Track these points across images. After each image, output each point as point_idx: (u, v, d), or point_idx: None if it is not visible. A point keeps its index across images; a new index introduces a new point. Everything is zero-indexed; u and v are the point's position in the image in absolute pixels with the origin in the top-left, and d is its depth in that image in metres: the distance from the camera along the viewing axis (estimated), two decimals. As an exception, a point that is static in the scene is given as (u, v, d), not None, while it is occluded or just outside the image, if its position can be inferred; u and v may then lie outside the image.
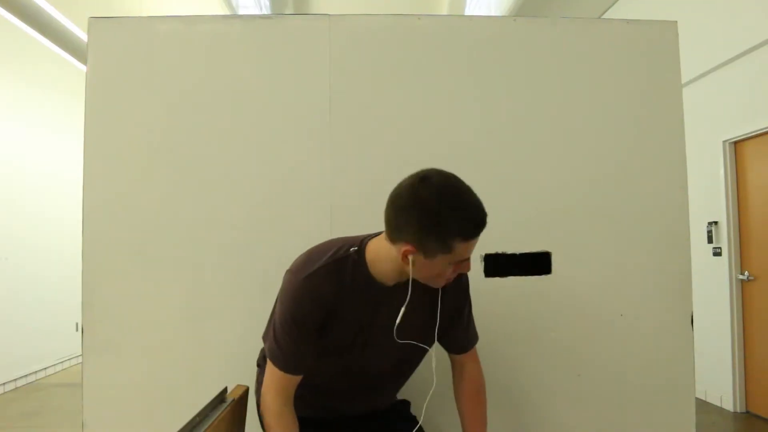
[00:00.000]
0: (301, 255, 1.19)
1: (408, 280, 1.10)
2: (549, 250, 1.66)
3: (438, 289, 1.17)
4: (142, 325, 1.58)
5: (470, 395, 1.30)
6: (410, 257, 1.04)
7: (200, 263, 1.59)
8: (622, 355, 1.66)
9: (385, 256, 1.11)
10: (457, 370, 1.32)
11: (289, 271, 1.17)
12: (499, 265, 1.63)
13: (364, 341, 1.18)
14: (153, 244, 1.59)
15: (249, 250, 1.60)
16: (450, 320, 1.25)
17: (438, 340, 1.27)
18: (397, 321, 1.12)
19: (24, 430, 3.68)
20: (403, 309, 1.12)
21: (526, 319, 1.65)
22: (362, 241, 1.16)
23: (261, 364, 1.36)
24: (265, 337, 1.24)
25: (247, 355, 1.56)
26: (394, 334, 1.14)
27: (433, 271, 1.06)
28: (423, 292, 1.16)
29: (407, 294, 1.11)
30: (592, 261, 1.67)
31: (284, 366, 1.15)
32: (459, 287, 1.25)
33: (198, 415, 0.94)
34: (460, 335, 1.29)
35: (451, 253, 1.03)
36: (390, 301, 1.14)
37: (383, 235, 1.11)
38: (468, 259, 1.08)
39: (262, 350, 1.36)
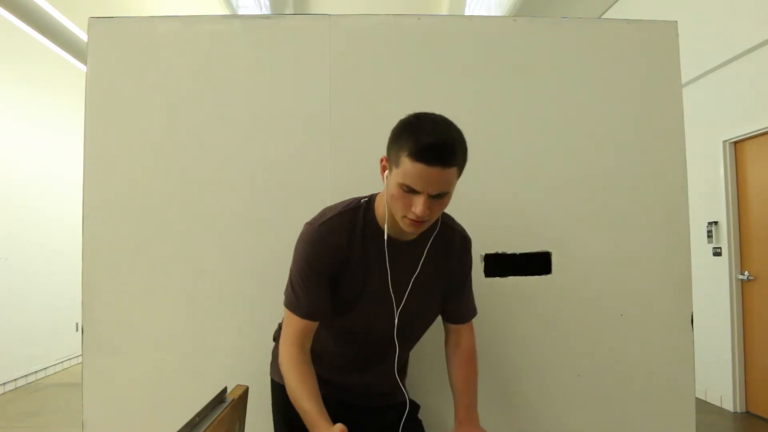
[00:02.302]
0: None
1: (419, 236, 1.18)
2: (549, 250, 1.66)
3: (446, 251, 1.24)
4: (142, 325, 1.58)
5: (464, 359, 1.32)
6: (385, 174, 1.12)
7: (200, 263, 1.59)
8: (622, 355, 1.66)
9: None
10: (452, 339, 1.34)
11: (305, 224, 1.23)
12: (499, 265, 1.63)
13: (370, 296, 1.21)
14: (153, 244, 1.59)
15: (249, 250, 1.60)
16: (454, 287, 1.30)
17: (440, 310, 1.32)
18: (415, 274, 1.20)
19: (24, 430, 3.68)
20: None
21: (526, 319, 1.65)
22: (372, 194, 1.24)
23: (277, 338, 1.39)
24: (285, 293, 1.27)
25: (247, 355, 1.57)
26: (396, 289, 1.20)
27: (390, 188, 1.09)
28: (432, 254, 1.22)
29: (419, 251, 1.19)
30: (592, 261, 1.67)
31: (299, 310, 1.18)
32: (464, 250, 1.30)
33: (197, 415, 0.94)
34: (462, 304, 1.32)
35: (399, 168, 1.05)
36: (400, 257, 1.19)
37: None
38: (420, 196, 1.04)
39: (280, 324, 1.38)
